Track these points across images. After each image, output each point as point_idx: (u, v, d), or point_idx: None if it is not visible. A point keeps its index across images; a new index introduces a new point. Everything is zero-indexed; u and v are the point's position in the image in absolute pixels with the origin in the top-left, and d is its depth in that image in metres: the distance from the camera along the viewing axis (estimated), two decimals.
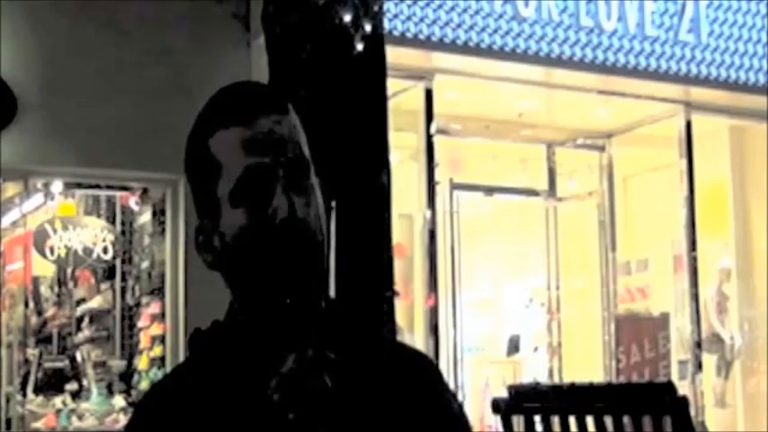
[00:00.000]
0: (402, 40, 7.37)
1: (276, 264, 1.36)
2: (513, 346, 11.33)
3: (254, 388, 1.34)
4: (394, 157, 5.48)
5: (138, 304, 8.49)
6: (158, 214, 7.91)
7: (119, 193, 8.65)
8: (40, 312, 9.50)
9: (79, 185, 8.50)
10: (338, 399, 1.32)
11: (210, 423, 1.36)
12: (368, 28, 5.21)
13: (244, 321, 1.42)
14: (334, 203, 4.82)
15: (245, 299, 1.42)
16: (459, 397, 1.61)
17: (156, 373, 7.81)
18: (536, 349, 10.90)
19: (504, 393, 4.95)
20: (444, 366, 8.40)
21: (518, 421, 4.92)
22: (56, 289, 9.61)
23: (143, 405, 1.48)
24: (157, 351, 7.82)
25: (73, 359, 8.89)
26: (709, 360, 9.71)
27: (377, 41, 5.31)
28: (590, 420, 4.72)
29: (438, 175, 8.44)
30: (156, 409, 1.43)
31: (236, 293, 1.43)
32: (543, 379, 10.03)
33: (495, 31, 7.84)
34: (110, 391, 8.25)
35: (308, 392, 1.30)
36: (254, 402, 1.32)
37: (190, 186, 1.48)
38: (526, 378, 10.46)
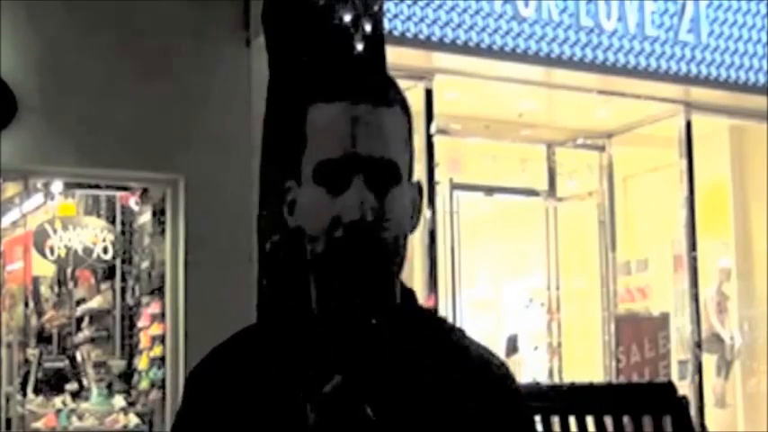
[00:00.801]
0: (402, 40, 7.37)
1: (338, 266, 1.34)
2: (512, 347, 11.33)
3: (298, 394, 1.31)
4: None
5: (138, 304, 8.48)
6: (158, 214, 7.91)
7: (119, 193, 8.64)
8: (39, 312, 9.50)
9: (79, 185, 8.49)
10: (383, 427, 1.27)
11: (249, 414, 1.35)
12: (368, 28, 5.21)
13: (312, 313, 1.39)
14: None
15: (318, 282, 1.39)
16: (528, 407, 1.55)
17: (156, 373, 7.81)
18: (536, 348, 10.90)
19: None
20: None
21: None
22: (56, 289, 9.61)
23: (199, 367, 1.45)
24: (157, 351, 7.82)
25: (73, 359, 8.89)
26: (710, 360, 9.71)
27: (377, 41, 5.31)
28: (590, 420, 4.71)
29: (438, 175, 8.45)
30: (210, 376, 1.41)
31: (312, 270, 1.40)
32: (543, 379, 10.03)
33: (495, 31, 7.84)
34: (110, 391, 8.25)
35: (346, 422, 1.25)
36: (296, 411, 1.30)
37: (275, 143, 1.46)
38: (526, 378, 10.46)
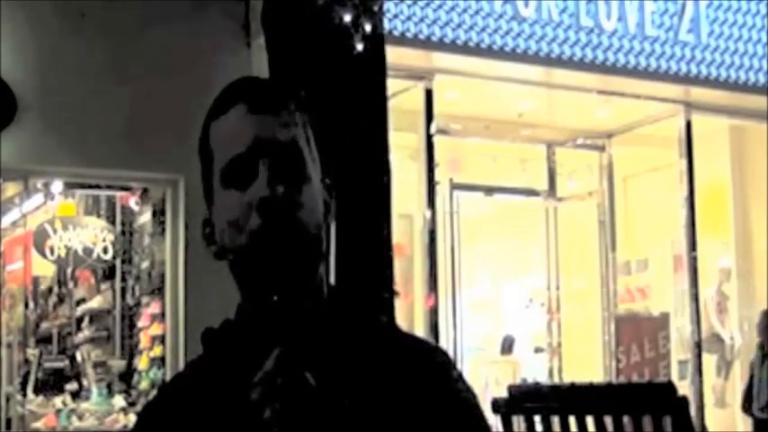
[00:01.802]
0: (402, 40, 7.37)
1: (258, 246, 1.35)
2: (507, 347, 11.36)
3: (242, 386, 1.33)
4: (394, 157, 5.48)
5: (138, 304, 8.48)
6: (158, 214, 7.91)
7: (119, 193, 8.64)
8: (40, 313, 9.50)
9: (79, 185, 8.49)
10: (326, 395, 1.29)
11: (202, 422, 1.38)
12: (368, 28, 5.21)
13: (245, 318, 1.42)
14: (333, 203, 4.82)
15: (242, 292, 1.42)
16: (465, 380, 1.56)
17: (156, 373, 7.81)
18: (537, 350, 10.90)
19: (504, 393, 4.96)
20: None
21: (518, 421, 4.93)
22: (56, 289, 9.61)
23: (149, 403, 1.50)
24: (157, 351, 7.82)
25: (73, 359, 8.89)
26: (710, 360, 9.72)
27: (377, 41, 5.32)
28: (590, 420, 4.72)
29: (438, 175, 8.45)
30: (159, 407, 1.46)
31: (237, 284, 1.43)
32: (543, 379, 10.03)
33: (495, 31, 7.84)
34: (110, 391, 8.25)
35: (286, 391, 1.27)
36: (241, 401, 1.31)
37: (202, 182, 1.49)
38: (526, 378, 10.46)
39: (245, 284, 1.41)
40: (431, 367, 1.41)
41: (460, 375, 1.44)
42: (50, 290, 9.64)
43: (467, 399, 1.42)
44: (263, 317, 1.37)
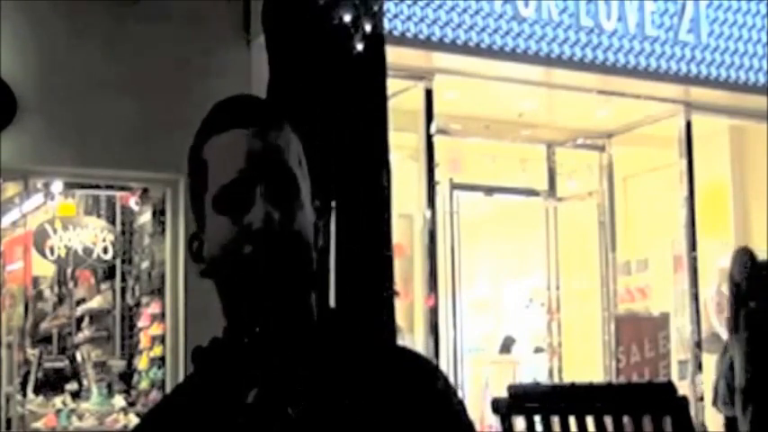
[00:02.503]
0: (402, 40, 7.37)
1: (251, 275, 1.35)
2: (506, 346, 11.36)
3: (229, 414, 1.34)
4: (394, 157, 5.48)
5: (138, 304, 8.48)
6: (158, 214, 7.91)
7: (119, 193, 8.64)
8: (39, 312, 9.50)
9: (79, 185, 8.49)
10: (307, 425, 1.30)
11: None
12: (368, 28, 5.21)
13: (231, 338, 1.42)
14: (334, 203, 4.82)
15: (229, 312, 1.42)
16: (460, 398, 1.56)
17: (156, 373, 7.81)
18: (537, 350, 10.90)
19: (504, 393, 4.95)
20: (444, 366, 8.40)
21: (518, 421, 4.93)
22: (56, 289, 9.61)
23: (139, 426, 1.50)
24: (157, 351, 7.82)
25: (73, 359, 8.88)
26: (710, 360, 9.71)
27: (377, 41, 5.31)
28: (590, 420, 4.72)
29: (438, 175, 8.45)
30: (149, 429, 1.47)
31: (223, 306, 1.43)
32: (543, 379, 10.03)
33: (495, 31, 7.84)
34: (110, 391, 8.25)
35: (270, 424, 1.28)
36: (230, 424, 1.33)
37: (190, 196, 1.48)
38: (526, 378, 10.46)
39: (232, 309, 1.40)
40: (430, 389, 1.40)
41: (456, 394, 1.45)
42: (50, 290, 9.63)
43: (465, 421, 1.42)
44: (253, 341, 1.37)
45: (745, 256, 7.72)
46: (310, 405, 1.31)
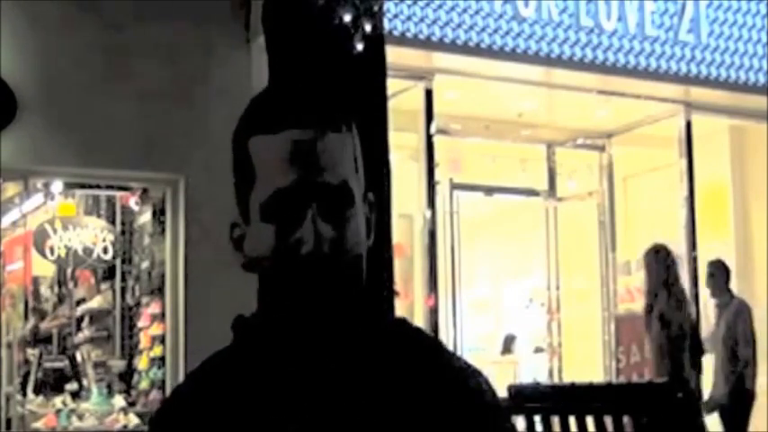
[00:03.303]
0: (402, 40, 7.37)
1: (296, 295, 1.31)
2: (507, 345, 11.37)
3: (273, 412, 1.31)
4: (394, 157, 5.48)
5: (138, 304, 8.48)
6: (158, 214, 7.91)
7: (119, 193, 8.64)
8: (39, 312, 9.50)
9: (79, 185, 8.49)
10: None
11: (234, 415, 1.34)
12: (368, 28, 5.21)
13: (278, 324, 1.37)
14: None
15: (275, 307, 1.36)
16: (509, 419, 1.55)
17: (156, 373, 7.81)
18: (537, 350, 10.90)
19: (504, 393, 4.96)
20: None
21: (518, 421, 4.93)
22: (56, 289, 9.60)
23: (177, 390, 1.44)
24: (157, 351, 7.82)
25: (73, 359, 8.88)
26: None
27: (377, 41, 5.31)
28: (590, 420, 4.72)
29: (438, 175, 8.45)
30: (185, 397, 1.40)
31: (267, 297, 1.38)
32: (543, 379, 10.03)
33: (495, 31, 7.84)
34: (110, 391, 8.24)
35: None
36: (272, 402, 1.31)
37: (234, 179, 1.39)
38: (526, 378, 10.47)
39: (279, 307, 1.35)
40: (473, 399, 1.38)
41: (498, 404, 1.42)
42: (50, 290, 9.63)
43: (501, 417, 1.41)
44: (299, 343, 1.33)
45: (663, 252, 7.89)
46: (361, 419, 1.29)
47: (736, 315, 8.46)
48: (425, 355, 1.39)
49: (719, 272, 8.61)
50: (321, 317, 1.31)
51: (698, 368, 8.03)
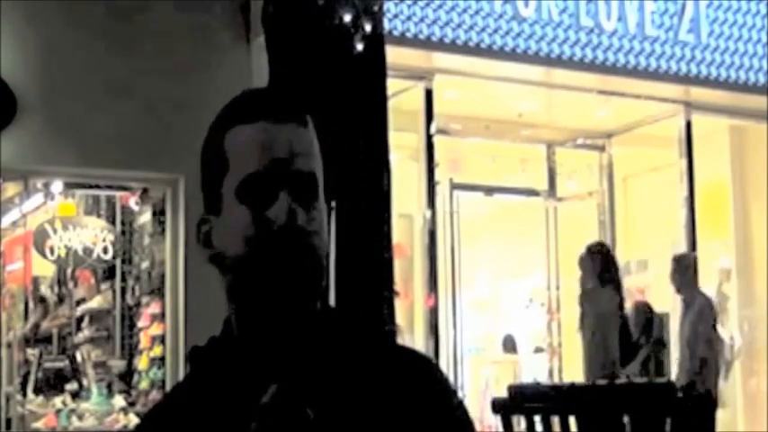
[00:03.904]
0: (402, 40, 7.37)
1: (269, 270, 1.35)
2: (507, 346, 11.37)
3: (237, 413, 1.33)
4: (394, 157, 5.48)
5: (138, 304, 8.48)
6: (158, 214, 7.91)
7: (119, 193, 8.64)
8: (40, 313, 9.50)
9: (79, 185, 8.49)
10: (323, 426, 1.30)
11: None
12: (368, 28, 5.21)
13: (236, 337, 1.41)
14: (333, 204, 4.82)
15: (238, 306, 1.41)
16: (459, 396, 1.58)
17: (156, 373, 7.81)
18: (537, 350, 10.90)
19: (504, 393, 4.96)
20: (444, 366, 8.40)
21: (518, 421, 4.93)
22: (56, 289, 9.60)
23: (143, 422, 1.49)
24: (157, 351, 7.82)
25: (73, 359, 8.88)
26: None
27: (377, 41, 5.32)
28: (590, 420, 4.72)
29: (438, 175, 8.45)
30: (152, 428, 1.44)
31: (230, 297, 1.41)
32: (543, 379, 10.03)
33: (495, 31, 7.84)
34: (110, 391, 8.24)
35: (287, 425, 1.28)
36: (236, 429, 1.32)
37: (201, 179, 1.47)
38: (526, 378, 10.46)
39: (243, 299, 1.39)
40: (431, 388, 1.41)
41: (456, 392, 1.46)
42: (50, 290, 9.63)
43: (465, 420, 1.44)
44: (260, 339, 1.37)
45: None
46: (323, 405, 1.31)
47: (699, 314, 8.44)
48: (372, 341, 1.46)
49: (684, 267, 8.59)
50: (290, 297, 1.35)
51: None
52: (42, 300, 9.55)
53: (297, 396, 1.29)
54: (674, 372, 8.64)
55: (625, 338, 8.25)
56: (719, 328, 10.08)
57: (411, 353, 1.48)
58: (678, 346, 8.55)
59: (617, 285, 8.35)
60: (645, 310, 9.08)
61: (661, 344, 8.95)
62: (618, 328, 8.22)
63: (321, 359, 1.37)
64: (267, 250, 1.35)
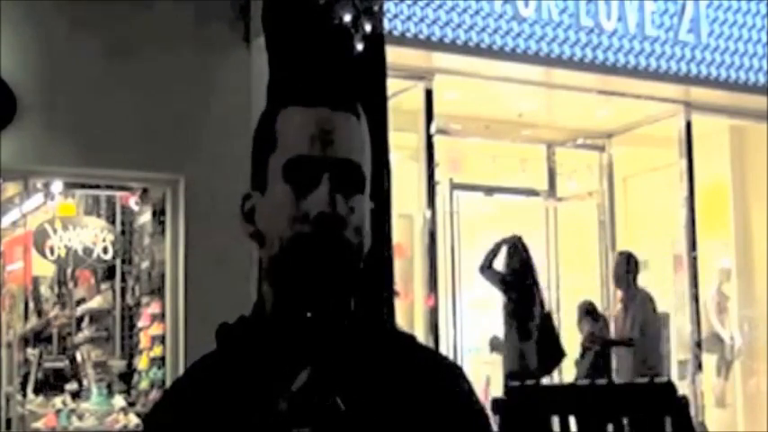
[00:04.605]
0: (402, 40, 7.37)
1: (304, 255, 1.35)
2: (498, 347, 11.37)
3: (266, 395, 1.33)
4: (394, 157, 5.48)
5: (138, 304, 8.48)
6: (158, 214, 7.90)
7: (119, 193, 8.63)
8: (39, 312, 9.50)
9: (79, 185, 8.49)
10: (352, 417, 1.30)
11: (220, 421, 1.36)
12: (368, 28, 5.21)
13: (269, 317, 1.41)
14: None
15: (275, 285, 1.40)
16: (482, 403, 1.60)
17: (156, 373, 7.80)
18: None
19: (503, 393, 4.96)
20: None
21: (518, 421, 4.93)
22: (56, 289, 9.60)
23: (160, 402, 1.47)
24: (157, 351, 7.81)
25: (73, 359, 8.88)
26: (710, 360, 9.71)
27: (377, 41, 5.32)
28: (590, 420, 4.72)
29: (438, 175, 8.45)
30: (171, 406, 1.44)
31: (267, 276, 1.42)
32: (543, 379, 10.02)
33: (495, 31, 7.84)
34: (110, 391, 8.24)
35: (317, 413, 1.28)
36: (264, 410, 1.32)
37: (251, 155, 1.47)
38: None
39: (279, 280, 1.40)
40: (451, 384, 1.43)
41: (475, 393, 1.47)
42: (50, 290, 9.63)
43: (485, 417, 1.45)
44: (293, 326, 1.37)
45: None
46: (352, 396, 1.31)
47: (637, 307, 8.50)
48: (401, 342, 1.46)
49: (624, 263, 8.63)
50: (322, 283, 1.35)
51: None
52: (42, 300, 9.56)
53: (328, 384, 1.29)
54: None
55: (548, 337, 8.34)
56: (720, 328, 10.10)
57: (437, 355, 1.50)
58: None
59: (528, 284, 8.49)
60: (589, 310, 9.18)
61: (607, 344, 9.02)
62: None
63: (352, 351, 1.38)
64: (303, 236, 1.36)
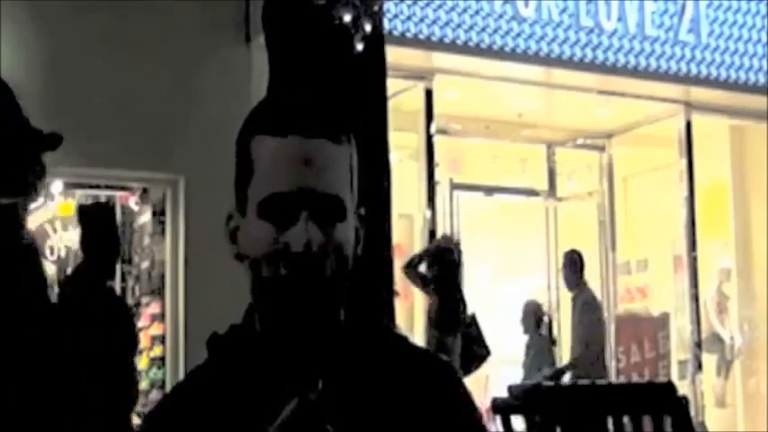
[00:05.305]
0: (402, 40, 7.37)
1: (283, 291, 1.34)
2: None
3: (255, 411, 1.33)
4: (394, 157, 5.48)
5: (138, 304, 8.47)
6: (158, 214, 7.91)
7: (119, 193, 8.64)
8: None
9: (79, 185, 8.49)
10: None
11: None
12: (368, 28, 5.21)
13: (258, 333, 1.40)
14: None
15: (260, 307, 1.40)
16: (475, 403, 1.60)
17: (156, 373, 7.80)
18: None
19: (504, 393, 4.95)
20: None
21: (518, 421, 4.93)
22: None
23: (151, 414, 1.47)
24: (157, 351, 7.82)
25: None
26: (710, 360, 9.72)
27: (377, 41, 5.32)
28: (590, 420, 4.72)
29: (438, 175, 8.45)
30: (165, 414, 1.44)
31: (253, 296, 1.41)
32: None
33: (495, 31, 7.84)
34: None
35: None
36: (253, 425, 1.31)
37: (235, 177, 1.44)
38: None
39: (264, 303, 1.39)
40: (445, 384, 1.42)
41: (469, 393, 1.46)
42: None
43: (479, 417, 1.45)
44: (281, 342, 1.37)
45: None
46: (343, 421, 1.30)
47: (581, 313, 8.49)
48: (391, 349, 1.45)
49: (570, 264, 8.60)
50: (304, 316, 1.35)
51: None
52: None
53: (318, 412, 1.28)
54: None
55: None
56: (720, 328, 10.10)
57: (429, 355, 1.49)
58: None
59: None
60: (535, 311, 9.21)
61: (551, 342, 9.07)
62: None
63: (342, 364, 1.37)
64: (281, 278, 1.34)
